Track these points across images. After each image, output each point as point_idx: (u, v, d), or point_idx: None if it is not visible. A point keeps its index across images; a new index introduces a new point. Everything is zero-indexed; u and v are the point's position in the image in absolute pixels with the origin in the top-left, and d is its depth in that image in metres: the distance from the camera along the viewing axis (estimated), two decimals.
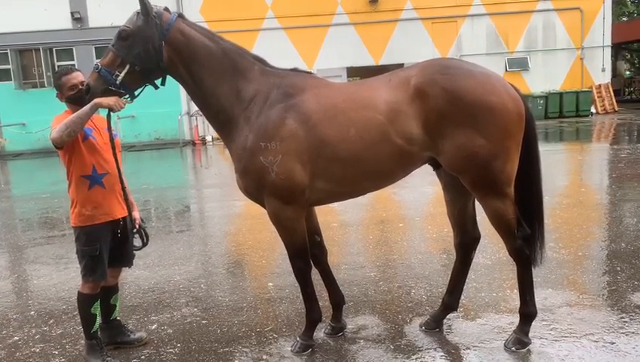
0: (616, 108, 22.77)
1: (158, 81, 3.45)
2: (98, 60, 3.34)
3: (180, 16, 3.38)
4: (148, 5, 3.24)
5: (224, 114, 3.39)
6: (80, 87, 3.43)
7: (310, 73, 3.66)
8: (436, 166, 3.43)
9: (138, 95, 3.41)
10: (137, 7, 3.27)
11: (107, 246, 3.52)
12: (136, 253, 3.81)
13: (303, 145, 3.22)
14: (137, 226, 3.74)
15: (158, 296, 4.77)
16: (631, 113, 22.27)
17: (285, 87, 3.34)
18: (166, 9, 3.37)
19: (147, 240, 3.80)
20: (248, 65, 3.41)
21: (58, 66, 20.75)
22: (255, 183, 3.34)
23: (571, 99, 21.54)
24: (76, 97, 3.42)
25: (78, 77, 3.48)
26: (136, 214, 3.76)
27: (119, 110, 3.28)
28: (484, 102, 3.11)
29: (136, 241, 3.79)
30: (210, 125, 3.69)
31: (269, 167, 3.22)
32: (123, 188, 3.59)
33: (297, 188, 3.27)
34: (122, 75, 3.23)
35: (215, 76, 3.33)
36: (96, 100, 3.21)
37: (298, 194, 3.29)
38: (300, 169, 3.23)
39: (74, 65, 17.90)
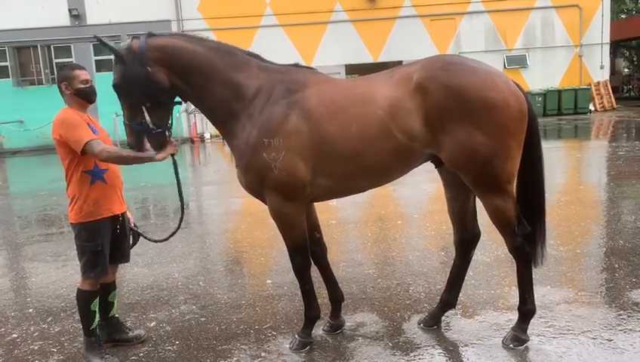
0: (615, 106, 22.80)
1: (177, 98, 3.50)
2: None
3: (150, 35, 3.33)
4: (116, 50, 3.23)
5: (222, 111, 3.39)
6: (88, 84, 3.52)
7: (311, 69, 3.63)
8: (438, 163, 3.42)
9: (172, 122, 3.52)
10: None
11: (108, 241, 3.53)
12: (134, 249, 3.85)
13: (306, 142, 3.21)
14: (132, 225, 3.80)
15: (157, 293, 4.77)
16: (629, 110, 22.29)
17: (288, 84, 3.33)
18: (134, 37, 3.34)
19: (138, 239, 3.87)
20: (243, 60, 3.40)
21: (56, 64, 20.77)
22: (257, 179, 3.34)
23: (570, 97, 21.55)
24: (86, 92, 3.49)
25: (87, 75, 3.55)
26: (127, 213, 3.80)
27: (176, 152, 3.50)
28: (485, 99, 3.09)
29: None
30: (209, 122, 3.70)
31: (271, 164, 3.22)
32: None
33: (299, 185, 3.27)
34: (147, 117, 3.30)
35: (208, 76, 3.32)
36: (158, 156, 3.37)
37: (299, 191, 3.29)
38: (302, 165, 3.23)
39: (72, 62, 17.86)
